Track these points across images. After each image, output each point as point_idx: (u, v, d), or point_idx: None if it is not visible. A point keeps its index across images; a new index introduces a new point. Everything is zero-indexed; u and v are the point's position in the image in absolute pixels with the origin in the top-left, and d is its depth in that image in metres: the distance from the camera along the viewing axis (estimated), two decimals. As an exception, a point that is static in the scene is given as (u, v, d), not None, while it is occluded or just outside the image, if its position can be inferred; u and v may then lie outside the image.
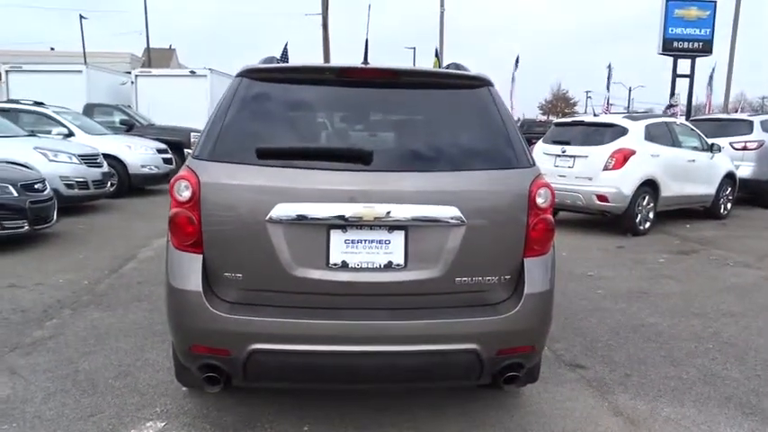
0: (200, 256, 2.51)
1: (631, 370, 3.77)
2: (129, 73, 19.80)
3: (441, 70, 2.98)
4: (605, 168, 8.29)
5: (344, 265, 2.48)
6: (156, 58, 40.29)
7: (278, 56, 4.29)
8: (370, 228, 2.48)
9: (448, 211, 2.48)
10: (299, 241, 2.46)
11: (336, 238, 2.47)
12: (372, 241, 2.49)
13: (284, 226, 2.44)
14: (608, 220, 8.83)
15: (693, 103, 22.01)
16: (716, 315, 4.90)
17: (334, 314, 2.46)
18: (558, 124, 10.01)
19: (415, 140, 2.78)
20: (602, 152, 8.38)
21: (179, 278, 2.51)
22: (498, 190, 2.59)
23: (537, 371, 3.12)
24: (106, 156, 10.57)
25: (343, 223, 2.45)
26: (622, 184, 8.23)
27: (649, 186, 8.54)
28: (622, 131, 8.59)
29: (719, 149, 9.98)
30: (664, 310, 5.04)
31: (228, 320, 2.43)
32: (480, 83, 2.87)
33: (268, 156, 2.51)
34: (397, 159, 2.66)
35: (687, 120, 13.43)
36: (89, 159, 9.58)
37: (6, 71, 18.41)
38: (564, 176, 8.70)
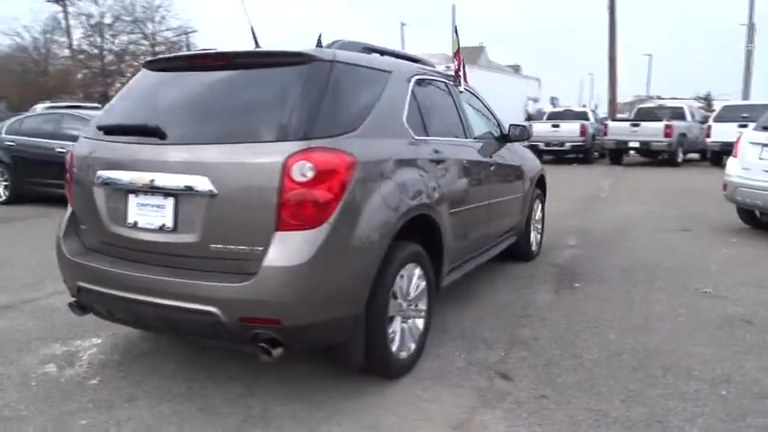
0: (71, 210, 3.28)
1: (559, 395, 3.13)
2: None
3: (266, 50, 3.07)
4: (826, 162, 6.16)
5: (135, 225, 2.93)
6: (466, 55, 42.89)
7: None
8: (152, 194, 2.87)
9: (197, 181, 2.70)
10: (111, 202, 3.02)
11: (132, 201, 2.95)
12: (154, 206, 2.88)
13: (102, 189, 3.03)
14: None
15: None
16: (807, 363, 3.49)
17: (126, 265, 2.94)
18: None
19: (208, 117, 2.97)
20: (824, 140, 6.24)
21: (59, 226, 3.32)
22: (250, 162, 2.67)
23: (352, 355, 3.01)
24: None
25: (134, 188, 2.91)
26: None
27: None
28: None
29: None
30: (736, 343, 3.81)
31: (69, 261, 3.14)
32: (305, 59, 2.92)
33: (106, 132, 3.12)
34: (184, 134, 2.93)
35: None
36: None
37: None
38: (771, 172, 6.75)
